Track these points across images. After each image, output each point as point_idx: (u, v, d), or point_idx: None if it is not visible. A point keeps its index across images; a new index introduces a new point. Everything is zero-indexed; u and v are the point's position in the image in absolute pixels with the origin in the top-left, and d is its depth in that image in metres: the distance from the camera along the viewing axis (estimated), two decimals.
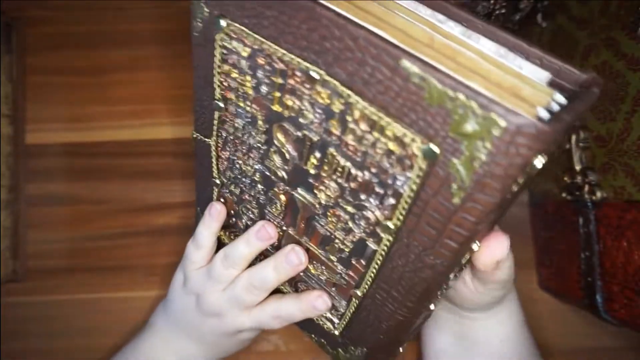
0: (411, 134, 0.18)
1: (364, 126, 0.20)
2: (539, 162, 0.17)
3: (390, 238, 0.23)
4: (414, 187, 0.20)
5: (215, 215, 0.32)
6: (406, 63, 0.17)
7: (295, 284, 0.32)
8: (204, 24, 0.23)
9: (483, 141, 0.16)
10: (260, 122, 0.25)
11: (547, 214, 0.43)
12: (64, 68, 0.46)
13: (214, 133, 0.28)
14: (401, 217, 0.22)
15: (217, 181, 0.31)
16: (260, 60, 0.22)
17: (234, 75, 0.24)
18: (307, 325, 0.34)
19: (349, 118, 0.20)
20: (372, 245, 0.24)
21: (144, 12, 0.47)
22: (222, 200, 0.32)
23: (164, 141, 0.46)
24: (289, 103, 0.22)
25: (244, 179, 0.29)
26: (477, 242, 0.23)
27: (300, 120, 0.23)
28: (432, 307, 0.27)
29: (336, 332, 0.32)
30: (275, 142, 0.25)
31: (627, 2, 0.31)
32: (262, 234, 0.30)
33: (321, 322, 0.32)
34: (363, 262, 0.26)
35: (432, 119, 0.17)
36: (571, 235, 0.38)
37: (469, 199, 0.18)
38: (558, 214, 0.41)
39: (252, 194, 0.29)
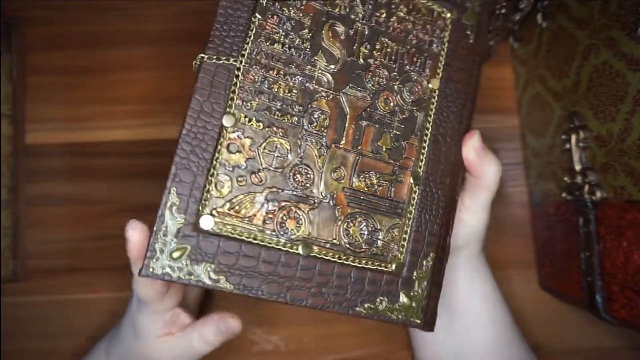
0: (439, 7, 0.32)
1: (405, 9, 0.31)
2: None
3: (435, 96, 0.31)
4: (446, 44, 0.32)
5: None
6: None
7: (340, 232, 0.28)
8: None
9: None
10: (306, 28, 0.29)
11: (547, 214, 0.43)
12: (64, 68, 0.46)
13: (245, 51, 0.27)
14: (439, 73, 0.31)
15: (230, 119, 0.26)
16: None
17: None
18: (353, 293, 0.28)
19: (393, 5, 0.31)
20: (421, 113, 0.31)
21: (144, 12, 0.47)
22: (228, 150, 0.26)
23: (164, 141, 0.46)
24: (341, 2, 0.29)
25: (273, 104, 0.28)
26: None
27: (351, 16, 0.30)
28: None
29: (396, 263, 0.29)
30: (324, 43, 0.29)
31: (627, 2, 0.31)
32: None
33: (376, 266, 0.29)
34: (415, 137, 0.31)
35: None
36: (571, 235, 0.38)
37: (477, 35, 0.32)
38: (558, 214, 0.41)
39: (285, 119, 0.28)
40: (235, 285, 0.26)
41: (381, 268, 0.29)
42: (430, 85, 0.31)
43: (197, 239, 0.25)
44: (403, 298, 0.29)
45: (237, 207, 0.26)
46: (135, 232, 0.26)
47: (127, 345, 0.33)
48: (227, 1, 0.27)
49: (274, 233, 0.27)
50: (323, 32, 0.29)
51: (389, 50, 0.30)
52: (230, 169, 0.26)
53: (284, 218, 0.27)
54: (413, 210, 0.30)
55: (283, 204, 0.27)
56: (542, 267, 0.45)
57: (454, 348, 0.36)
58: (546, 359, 0.44)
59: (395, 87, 0.31)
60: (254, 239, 0.26)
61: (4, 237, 0.42)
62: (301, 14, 0.29)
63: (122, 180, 0.46)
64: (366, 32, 0.30)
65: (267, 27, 0.28)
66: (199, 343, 0.31)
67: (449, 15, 0.32)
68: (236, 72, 0.27)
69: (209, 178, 0.26)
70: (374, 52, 0.30)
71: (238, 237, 0.26)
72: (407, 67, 0.31)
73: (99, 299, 0.45)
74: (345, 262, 0.28)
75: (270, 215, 0.27)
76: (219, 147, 0.26)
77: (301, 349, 0.45)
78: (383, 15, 0.30)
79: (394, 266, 0.29)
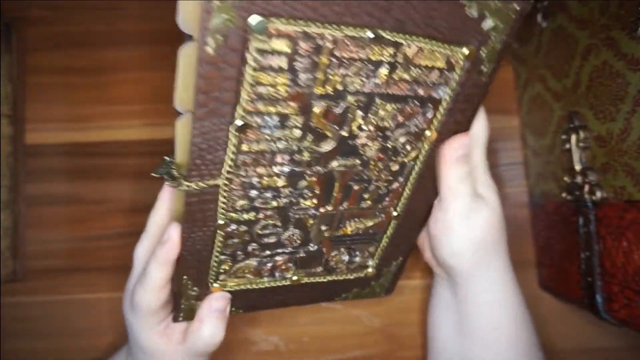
0: (453, 47, 0.24)
1: (414, 59, 0.24)
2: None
3: (430, 143, 0.28)
4: (454, 87, 0.26)
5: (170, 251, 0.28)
6: None
7: (326, 264, 0.33)
8: (230, 36, 0.20)
9: (504, 26, 0.24)
10: (293, 118, 0.24)
11: (547, 214, 0.43)
12: (64, 68, 0.46)
13: (227, 165, 0.25)
14: (439, 120, 0.27)
15: (222, 222, 0.28)
16: (304, 48, 0.21)
17: (266, 80, 0.22)
18: (335, 291, 0.35)
19: (399, 59, 0.24)
20: (412, 161, 0.29)
21: (144, 12, 0.47)
22: (225, 242, 0.29)
23: (164, 141, 0.46)
24: (335, 78, 0.23)
25: (263, 196, 0.27)
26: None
27: (347, 89, 0.24)
28: None
29: (370, 270, 0.35)
30: (315, 126, 0.25)
31: (627, 2, 0.31)
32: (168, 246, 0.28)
33: (353, 276, 0.35)
34: (401, 179, 0.30)
35: (470, 27, 0.24)
36: (571, 235, 0.38)
37: (493, 69, 0.26)
38: (558, 214, 0.41)
39: (275, 204, 0.28)
40: (244, 309, 0.34)
41: (357, 275, 0.35)
42: (427, 134, 0.28)
43: None
44: (373, 285, 0.36)
45: (238, 273, 0.31)
46: (176, 234, 0.28)
47: None
48: (201, 122, 0.23)
49: (270, 278, 0.32)
50: (312, 116, 0.24)
51: (385, 112, 0.26)
52: (229, 253, 0.29)
53: (277, 269, 0.32)
54: (389, 236, 0.33)
55: (277, 261, 0.31)
56: (542, 267, 0.45)
57: (462, 353, 0.35)
58: (546, 359, 0.44)
59: (389, 145, 0.27)
60: (254, 285, 0.32)
61: (4, 237, 0.42)
62: (287, 106, 0.23)
63: (122, 180, 0.46)
64: (362, 102, 0.25)
65: (249, 134, 0.24)
66: (208, 338, 0.31)
67: (465, 51, 0.24)
68: (222, 187, 0.26)
69: (213, 264, 0.29)
70: (368, 117, 0.26)
71: (242, 288, 0.32)
72: (405, 122, 0.27)
73: (99, 299, 0.45)
74: (330, 279, 0.34)
75: (265, 270, 0.31)
76: (216, 242, 0.28)
77: (301, 349, 0.45)
78: (384, 75, 0.24)
79: (368, 271, 0.35)
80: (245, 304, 0.33)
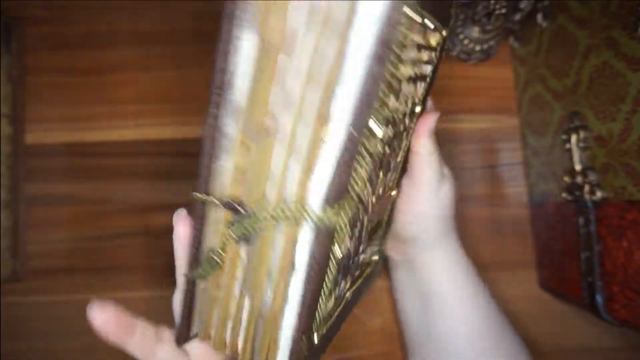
0: (443, 28, 0.26)
1: (429, 40, 0.26)
2: None
3: (414, 124, 0.29)
4: (436, 55, 0.28)
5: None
6: None
7: (360, 265, 0.30)
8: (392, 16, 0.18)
9: None
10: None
11: (547, 214, 0.43)
12: (64, 68, 0.46)
13: (355, 188, 0.20)
14: (425, 92, 0.29)
15: (340, 254, 0.22)
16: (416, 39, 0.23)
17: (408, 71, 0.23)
18: (358, 296, 0.32)
19: (424, 43, 0.25)
20: (406, 138, 0.29)
21: (144, 12, 0.47)
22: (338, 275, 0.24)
23: (164, 141, 0.46)
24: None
25: (365, 216, 0.25)
26: None
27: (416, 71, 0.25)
28: None
29: (376, 257, 0.34)
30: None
31: (628, 2, 0.31)
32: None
33: (369, 269, 0.33)
34: (403, 144, 0.29)
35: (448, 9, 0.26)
36: (571, 235, 0.38)
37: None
38: (558, 214, 0.41)
39: (368, 219, 0.27)
40: (323, 352, 0.29)
41: (372, 266, 0.33)
42: (417, 110, 0.29)
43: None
44: (379, 269, 0.35)
45: (329, 310, 0.26)
46: (182, 225, 0.24)
47: None
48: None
49: (337, 302, 0.28)
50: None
51: (413, 91, 0.27)
52: (332, 288, 0.25)
53: (342, 289, 0.28)
54: (389, 214, 0.33)
55: (345, 281, 0.27)
56: (542, 267, 0.45)
57: (429, 330, 0.36)
58: (546, 359, 0.44)
59: (401, 128, 0.27)
60: (333, 316, 0.28)
61: (4, 237, 0.42)
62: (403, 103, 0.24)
63: (122, 180, 0.46)
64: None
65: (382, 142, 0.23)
66: None
67: (445, 31, 0.27)
68: (342, 225, 0.21)
69: (320, 306, 0.24)
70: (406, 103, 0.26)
71: (329, 325, 0.28)
72: (414, 102, 0.27)
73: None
74: (358, 283, 0.31)
75: (339, 297, 0.28)
76: (326, 279, 0.23)
77: None
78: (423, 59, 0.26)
79: (375, 258, 0.34)
80: (323, 347, 0.29)
